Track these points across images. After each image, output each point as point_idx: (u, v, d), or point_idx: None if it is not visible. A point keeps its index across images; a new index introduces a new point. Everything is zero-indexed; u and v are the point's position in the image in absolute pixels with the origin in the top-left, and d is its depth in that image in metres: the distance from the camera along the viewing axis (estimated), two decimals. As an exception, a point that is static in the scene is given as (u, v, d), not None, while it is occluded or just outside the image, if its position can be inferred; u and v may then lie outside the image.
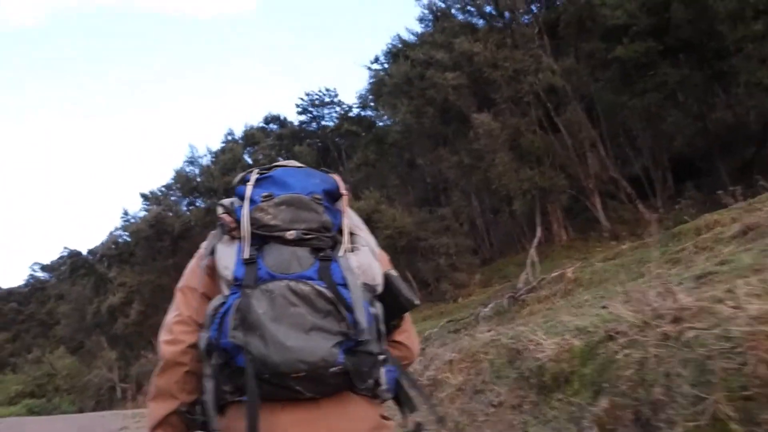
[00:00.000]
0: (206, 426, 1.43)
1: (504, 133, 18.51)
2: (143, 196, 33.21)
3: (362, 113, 25.25)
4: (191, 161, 32.18)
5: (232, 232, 1.49)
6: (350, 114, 26.42)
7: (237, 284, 1.40)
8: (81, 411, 36.55)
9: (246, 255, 1.43)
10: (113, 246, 31.69)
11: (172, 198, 32.38)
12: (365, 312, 1.39)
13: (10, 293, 69.12)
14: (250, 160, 32.03)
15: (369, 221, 19.28)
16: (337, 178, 1.61)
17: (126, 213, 32.65)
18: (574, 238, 21.09)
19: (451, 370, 6.49)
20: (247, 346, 1.31)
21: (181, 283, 1.57)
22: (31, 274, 65.57)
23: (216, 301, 1.42)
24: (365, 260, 1.49)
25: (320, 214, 1.49)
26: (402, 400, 1.55)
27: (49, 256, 72.71)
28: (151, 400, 1.51)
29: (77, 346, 38.47)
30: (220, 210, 1.55)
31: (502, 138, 18.43)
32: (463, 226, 19.37)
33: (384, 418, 1.49)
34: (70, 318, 35.61)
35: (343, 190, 1.57)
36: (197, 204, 32.22)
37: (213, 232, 1.58)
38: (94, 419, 10.78)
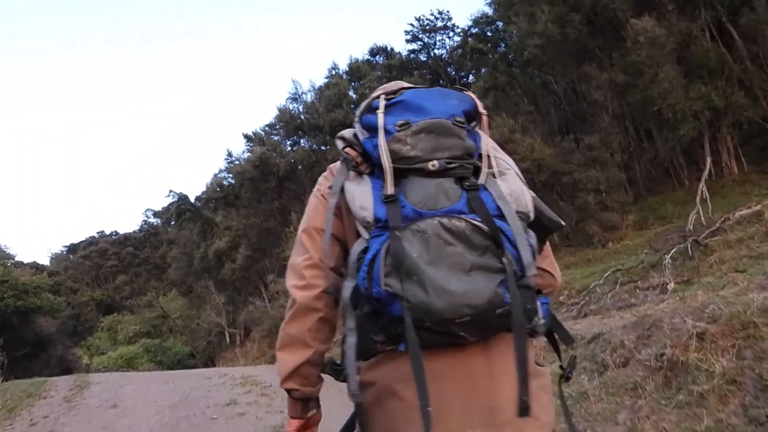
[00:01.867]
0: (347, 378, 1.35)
1: (670, 42, 14.94)
2: (246, 136, 31.70)
3: (487, 30, 21.99)
4: (294, 98, 30.17)
5: (359, 168, 1.42)
6: (473, 31, 23.25)
7: (380, 226, 1.31)
8: (193, 354, 36.83)
9: (390, 191, 1.33)
10: (218, 188, 30.52)
11: (276, 138, 30.62)
12: (527, 243, 1.30)
13: (127, 238, 73.34)
14: (355, 96, 29.65)
15: (505, 148, 16.57)
16: (473, 96, 1.49)
17: (230, 154, 31.29)
18: (750, 171, 17.39)
19: (702, 348, 4.74)
20: (405, 294, 1.22)
21: (305, 224, 1.53)
22: (144, 220, 67.85)
23: (358, 245, 1.33)
24: (515, 185, 1.40)
25: (464, 139, 1.40)
26: (557, 332, 1.48)
27: (161, 203, 74.89)
28: (281, 350, 1.48)
29: (187, 290, 38.59)
30: (340, 144, 1.48)
31: (668, 47, 14.88)
32: (614, 157, 16.11)
33: (536, 363, 1.43)
34: (179, 262, 35.32)
35: (482, 109, 1.47)
36: (301, 143, 30.32)
37: (332, 166, 1.56)
38: (199, 382, 8.97)
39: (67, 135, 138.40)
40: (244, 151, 31.41)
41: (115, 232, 77.78)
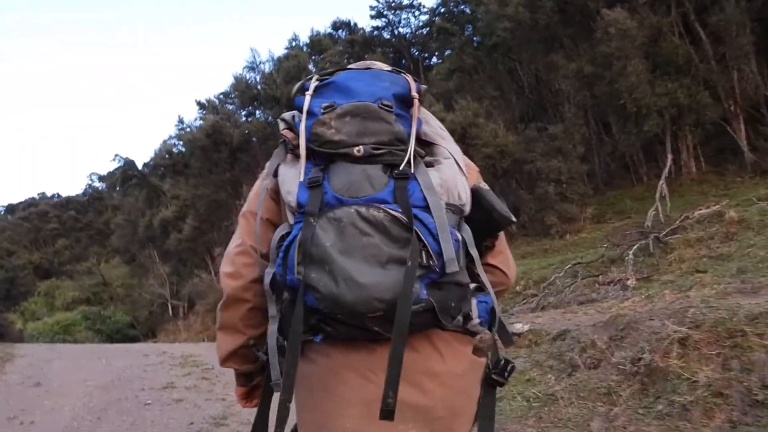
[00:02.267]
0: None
1: (641, 35, 14.77)
2: (199, 103, 30.53)
3: (455, 10, 21.47)
4: (252, 67, 29.12)
5: (296, 151, 1.34)
6: (440, 10, 22.70)
7: (301, 211, 1.27)
8: (134, 324, 35.70)
9: (302, 177, 1.29)
10: (167, 155, 29.31)
11: (230, 107, 29.58)
12: (450, 238, 1.23)
13: (69, 201, 71.11)
14: (314, 69, 28.83)
15: (464, 137, 15.99)
16: (409, 78, 1.40)
17: (181, 121, 30.06)
18: (707, 171, 17.51)
19: (684, 355, 4.44)
20: (313, 283, 1.20)
21: (244, 208, 1.48)
22: (89, 184, 65.65)
23: (280, 230, 1.31)
24: (449, 175, 1.32)
25: (391, 124, 1.32)
26: (495, 332, 1.42)
27: (107, 167, 72.51)
28: (219, 331, 1.49)
29: (130, 258, 37.34)
30: (281, 125, 1.44)
31: (638, 41, 14.70)
32: (576, 149, 15.94)
33: (477, 354, 1.38)
34: (123, 229, 34.01)
35: (414, 92, 1.35)
36: (257, 115, 29.37)
37: (276, 150, 1.46)
38: (135, 360, 8.39)
39: (14, 90, 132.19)
40: (196, 119, 30.29)
41: (57, 194, 75.64)
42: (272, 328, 1.30)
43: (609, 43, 14.87)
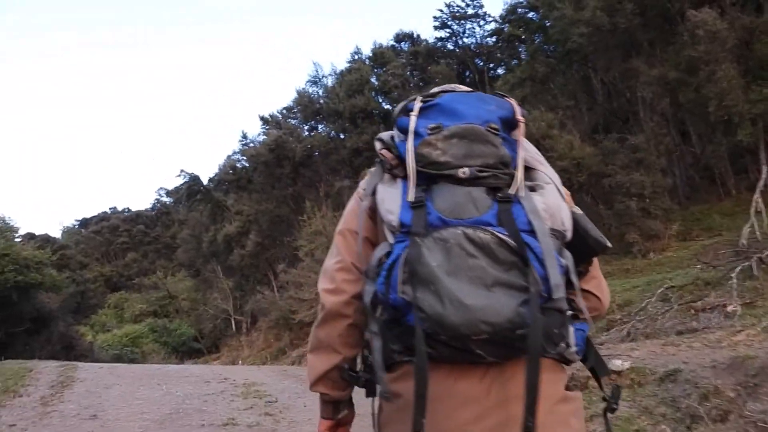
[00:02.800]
0: (370, 385, 1.41)
1: (732, 37, 13.60)
2: (262, 119, 30.62)
3: (526, 15, 20.57)
4: (314, 81, 29.02)
5: (394, 170, 1.40)
6: (509, 18, 21.85)
7: (404, 231, 1.29)
8: (198, 338, 35.88)
9: (411, 197, 1.31)
10: (231, 171, 29.42)
11: (293, 121, 29.50)
12: (557, 263, 1.23)
13: (138, 216, 73.49)
14: (377, 82, 28.43)
15: (538, 150, 15.30)
16: (513, 102, 1.44)
17: (244, 136, 30.19)
18: (805, 184, 16.03)
19: None
20: (419, 303, 1.20)
21: (341, 226, 1.50)
22: (157, 199, 67.44)
23: (381, 249, 1.32)
24: (552, 201, 1.34)
25: (498, 147, 1.34)
26: (591, 362, 1.43)
27: (174, 182, 74.20)
28: (312, 353, 1.49)
29: (195, 272, 37.73)
30: (378, 145, 1.46)
31: (729, 43, 13.54)
32: (660, 160, 14.81)
33: (567, 388, 1.37)
34: (188, 244, 34.35)
35: (519, 116, 1.39)
36: (319, 129, 29.17)
37: (371, 169, 1.50)
38: (195, 388, 7.94)
39: (86, 110, 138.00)
40: (259, 134, 30.37)
41: (128, 209, 78.09)
42: (376, 344, 1.29)
43: (696, 47, 13.75)
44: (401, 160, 1.37)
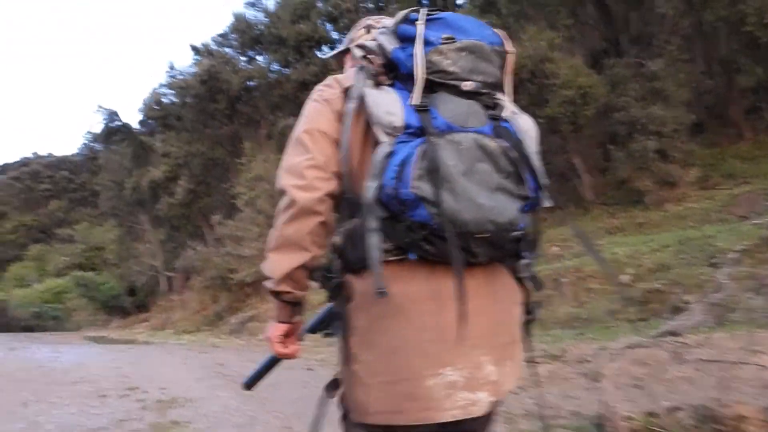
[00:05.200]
0: (339, 288, 1.40)
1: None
2: (194, 48, 26.47)
3: None
4: (253, 3, 25.05)
5: (379, 78, 1.42)
6: None
7: (410, 132, 1.33)
8: (131, 290, 32.20)
9: (417, 101, 1.35)
10: (156, 107, 25.35)
11: (228, 50, 25.55)
12: (545, 177, 1.39)
13: (62, 161, 69.12)
14: (324, 7, 24.72)
15: (534, 76, 11.38)
16: (502, 33, 1.50)
17: (172, 67, 26.15)
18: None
19: None
20: (432, 197, 1.26)
21: (306, 126, 1.47)
22: (84, 143, 62.41)
23: (383, 149, 1.33)
24: (531, 125, 1.47)
25: (497, 69, 1.44)
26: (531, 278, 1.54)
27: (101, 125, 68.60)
28: (276, 251, 1.44)
29: (120, 224, 33.81)
30: (359, 52, 1.50)
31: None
32: (682, 91, 12.10)
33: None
34: (110, 191, 30.28)
35: (509, 47, 1.47)
36: (259, 60, 25.39)
37: (336, 76, 1.52)
38: (79, 413, 4.82)
39: (5, 49, 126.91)
40: (190, 65, 26.28)
41: (50, 154, 73.18)
42: (374, 240, 1.28)
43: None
44: (388, 68, 1.43)
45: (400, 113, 1.34)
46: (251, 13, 25.23)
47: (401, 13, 1.43)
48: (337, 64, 1.95)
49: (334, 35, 24.99)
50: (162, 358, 8.78)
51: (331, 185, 1.41)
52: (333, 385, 1.51)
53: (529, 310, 1.53)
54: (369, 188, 1.31)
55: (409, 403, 1.33)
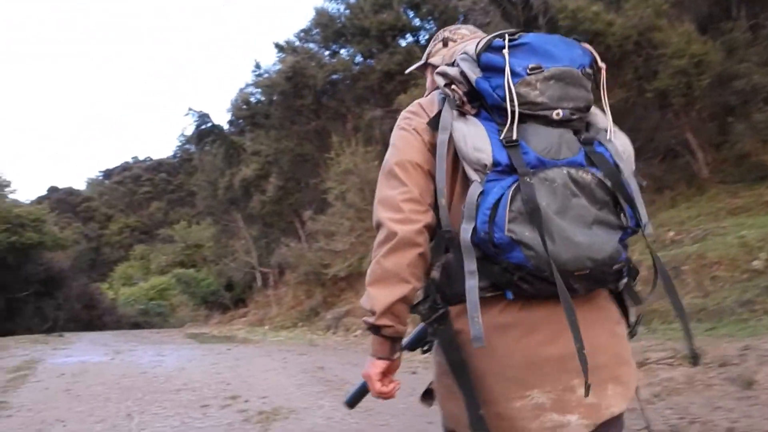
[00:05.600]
0: (442, 319, 1.41)
1: None
2: (277, 46, 26.58)
3: None
4: (335, -4, 24.83)
5: (463, 108, 1.39)
6: None
7: (499, 170, 1.30)
8: (229, 286, 33.07)
9: (512, 135, 1.31)
10: (244, 106, 25.65)
11: (312, 46, 25.50)
12: (643, 202, 1.35)
13: (160, 164, 72.26)
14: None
15: (640, 47, 9.82)
16: (590, 47, 1.44)
17: (258, 66, 26.20)
18: None
19: None
20: (527, 240, 1.23)
21: (398, 157, 1.45)
22: (178, 145, 65.02)
23: (475, 188, 1.31)
24: (627, 144, 1.42)
25: (589, 92, 1.39)
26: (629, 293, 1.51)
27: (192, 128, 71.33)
28: (375, 284, 1.41)
29: (216, 221, 34.75)
30: (441, 80, 1.44)
31: None
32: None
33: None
34: (204, 191, 31.08)
35: (600, 63, 1.43)
36: (342, 54, 25.18)
37: (421, 101, 1.53)
38: (183, 424, 4.54)
39: (102, 62, 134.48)
40: (274, 63, 26.45)
41: (149, 158, 76.82)
42: (472, 282, 1.29)
43: None
44: (471, 98, 1.38)
45: (488, 150, 1.31)
46: (333, 6, 25.08)
47: (483, 41, 1.39)
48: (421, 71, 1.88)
49: (416, 22, 24.50)
50: (261, 361, 8.63)
51: (428, 217, 1.41)
52: (428, 395, 1.59)
53: (628, 325, 1.51)
54: (465, 230, 1.30)
55: (499, 422, 1.36)
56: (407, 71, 2.04)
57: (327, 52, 25.76)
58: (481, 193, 1.29)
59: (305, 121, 23.84)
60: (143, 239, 59.00)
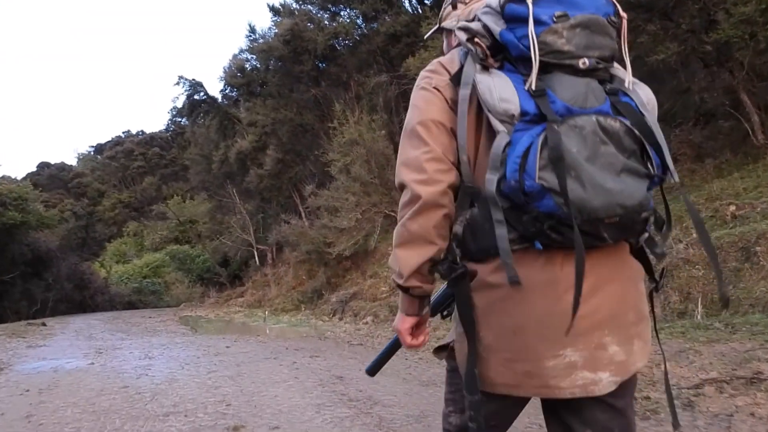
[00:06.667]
0: (463, 277, 1.42)
1: None
2: (272, 8, 24.90)
3: None
4: (334, -46, 23.03)
5: (487, 61, 1.38)
6: None
7: (527, 119, 1.30)
8: (225, 262, 31.78)
9: (534, 85, 1.30)
10: (239, 74, 24.02)
11: (310, 7, 23.77)
12: (669, 150, 1.32)
13: (153, 138, 71.77)
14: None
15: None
16: None
17: (252, 30, 24.52)
18: None
19: None
20: (565, 189, 1.22)
21: (421, 116, 1.46)
22: (170, 118, 63.83)
23: (501, 138, 1.30)
24: (650, 95, 1.42)
25: (614, 40, 1.37)
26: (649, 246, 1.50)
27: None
28: (402, 246, 1.45)
29: (211, 196, 33.43)
30: (463, 35, 1.43)
31: None
32: None
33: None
34: (198, 165, 29.59)
35: (622, 12, 1.41)
36: (343, 16, 23.48)
37: (441, 59, 1.53)
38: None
39: (88, 36, 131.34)
40: (270, 27, 24.75)
41: (141, 131, 76.04)
42: (501, 231, 1.30)
43: None
44: (495, 51, 1.38)
45: (515, 100, 1.30)
46: (332, -35, 23.27)
47: None
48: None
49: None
50: (267, 368, 7.25)
51: (452, 176, 1.42)
52: (441, 349, 1.65)
53: (654, 279, 1.50)
54: (491, 181, 1.30)
55: (528, 380, 1.38)
56: (426, 36, 2.03)
57: (326, 15, 24.07)
58: (509, 143, 1.29)
59: (305, 89, 22.23)
60: (135, 216, 57.82)
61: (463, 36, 1.42)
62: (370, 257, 18.00)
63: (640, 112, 1.32)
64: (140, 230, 54.67)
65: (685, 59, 10.55)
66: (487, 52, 1.37)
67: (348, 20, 23.13)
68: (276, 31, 23.18)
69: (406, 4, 21.97)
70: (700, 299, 7.86)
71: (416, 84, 1.51)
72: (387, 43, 20.30)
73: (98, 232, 48.24)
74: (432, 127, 1.42)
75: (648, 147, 1.29)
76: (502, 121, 1.30)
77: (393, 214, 18.89)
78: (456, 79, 1.42)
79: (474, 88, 1.36)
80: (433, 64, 1.51)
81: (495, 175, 1.28)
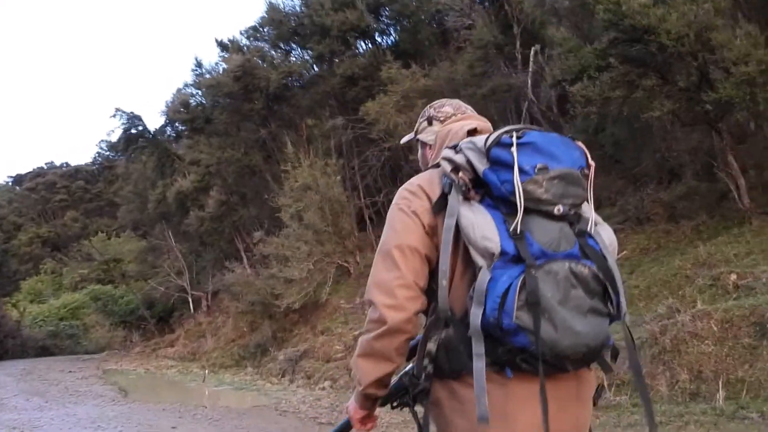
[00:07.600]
0: (424, 392, 1.52)
1: None
2: (220, 44, 23.77)
3: None
4: (289, -9, 22.31)
5: (468, 194, 1.47)
6: None
7: (507, 259, 1.37)
8: (151, 304, 29.50)
9: (519, 228, 1.39)
10: (182, 109, 22.59)
11: (261, 44, 22.76)
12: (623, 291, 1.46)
13: (78, 171, 69.43)
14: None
15: (696, 50, 9.22)
16: (583, 146, 1.55)
17: (199, 65, 23.24)
18: None
19: None
20: (538, 330, 1.32)
21: (397, 240, 1.52)
22: (98, 152, 61.60)
23: (483, 276, 1.37)
24: (611, 235, 1.53)
25: (585, 190, 1.49)
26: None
27: (117, 134, 66.99)
28: (364, 358, 1.54)
29: (142, 235, 31.44)
30: (447, 166, 1.51)
31: None
32: None
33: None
34: (131, 203, 27.64)
35: (591, 160, 1.53)
36: (295, 55, 22.60)
37: (419, 182, 1.59)
38: None
39: (17, 56, 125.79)
40: (218, 63, 23.58)
41: (66, 163, 73.17)
42: (479, 365, 1.35)
43: None
44: (475, 184, 1.47)
45: (496, 239, 1.38)
46: (287, 2, 22.50)
47: (493, 136, 1.46)
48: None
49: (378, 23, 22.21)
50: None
51: (419, 304, 1.50)
52: None
53: (596, 395, 1.59)
54: (476, 315, 1.36)
55: None
56: (401, 142, 2.05)
57: (278, 53, 23.11)
58: (490, 279, 1.36)
59: (254, 128, 21.02)
60: (53, 254, 54.42)
61: (447, 167, 1.51)
62: (321, 310, 16.80)
63: (603, 255, 1.45)
64: (59, 268, 51.25)
65: (675, 118, 10.12)
66: (470, 185, 1.47)
67: (300, 60, 22.27)
68: (225, 66, 22.02)
69: (362, 48, 21.34)
70: (721, 381, 7.11)
71: (394, 202, 1.59)
72: (344, 85, 19.49)
73: (12, 268, 44.84)
74: (407, 253, 1.49)
75: (610, 290, 1.42)
76: (484, 258, 1.39)
77: (346, 264, 17.85)
78: (437, 207, 1.51)
79: (458, 219, 1.42)
80: (413, 186, 1.59)
81: (479, 309, 1.36)
